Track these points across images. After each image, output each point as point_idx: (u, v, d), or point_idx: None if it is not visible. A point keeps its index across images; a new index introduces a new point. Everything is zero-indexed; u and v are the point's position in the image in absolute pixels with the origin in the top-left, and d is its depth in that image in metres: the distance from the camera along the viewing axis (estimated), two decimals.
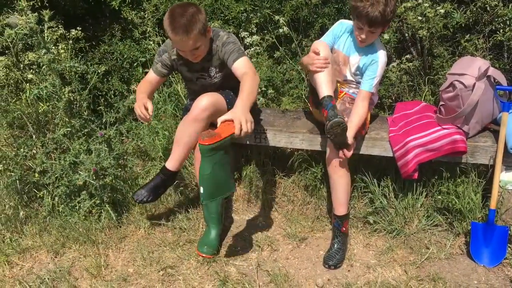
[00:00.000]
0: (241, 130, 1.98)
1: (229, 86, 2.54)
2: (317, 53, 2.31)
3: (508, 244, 2.38)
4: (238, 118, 1.98)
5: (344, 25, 2.51)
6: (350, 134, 2.29)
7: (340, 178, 2.39)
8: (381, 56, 2.41)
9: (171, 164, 2.52)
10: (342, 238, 2.45)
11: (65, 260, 2.55)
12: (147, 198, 2.55)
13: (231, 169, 2.27)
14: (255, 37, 3.38)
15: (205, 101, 2.39)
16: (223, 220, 2.61)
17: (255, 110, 2.71)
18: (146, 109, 2.37)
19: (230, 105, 2.37)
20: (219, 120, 2.04)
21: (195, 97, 2.62)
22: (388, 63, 3.20)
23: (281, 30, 3.27)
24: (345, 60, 2.51)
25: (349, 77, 2.55)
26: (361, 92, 2.43)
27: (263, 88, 3.26)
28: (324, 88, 2.28)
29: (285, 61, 3.37)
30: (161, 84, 2.82)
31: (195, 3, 2.35)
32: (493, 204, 2.34)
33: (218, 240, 2.53)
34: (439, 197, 2.57)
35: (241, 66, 2.34)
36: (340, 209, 2.44)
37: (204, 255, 2.47)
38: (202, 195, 2.13)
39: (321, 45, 2.34)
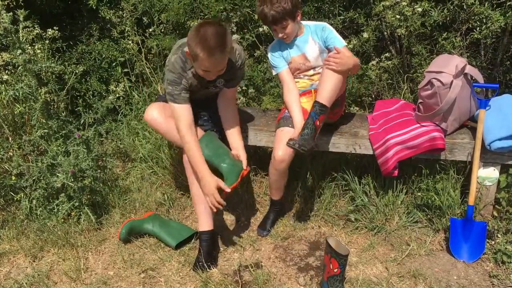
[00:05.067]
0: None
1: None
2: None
3: (487, 240, 2.42)
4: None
5: (274, 43, 2.59)
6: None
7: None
8: (318, 25, 2.49)
9: (204, 224, 2.48)
10: (312, 127, 2.31)
11: (44, 264, 2.50)
12: (212, 266, 2.43)
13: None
14: (235, 36, 3.36)
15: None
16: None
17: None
18: (218, 202, 2.35)
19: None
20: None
21: None
22: (367, 62, 3.23)
23: (261, 29, 3.27)
24: (303, 58, 2.52)
25: (316, 63, 2.54)
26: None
27: (244, 87, 3.25)
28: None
29: (266, 60, 3.37)
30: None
31: (222, 22, 2.28)
32: (471, 200, 2.37)
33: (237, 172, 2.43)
34: (419, 194, 2.60)
35: (232, 94, 2.54)
36: (323, 100, 2.33)
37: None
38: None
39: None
